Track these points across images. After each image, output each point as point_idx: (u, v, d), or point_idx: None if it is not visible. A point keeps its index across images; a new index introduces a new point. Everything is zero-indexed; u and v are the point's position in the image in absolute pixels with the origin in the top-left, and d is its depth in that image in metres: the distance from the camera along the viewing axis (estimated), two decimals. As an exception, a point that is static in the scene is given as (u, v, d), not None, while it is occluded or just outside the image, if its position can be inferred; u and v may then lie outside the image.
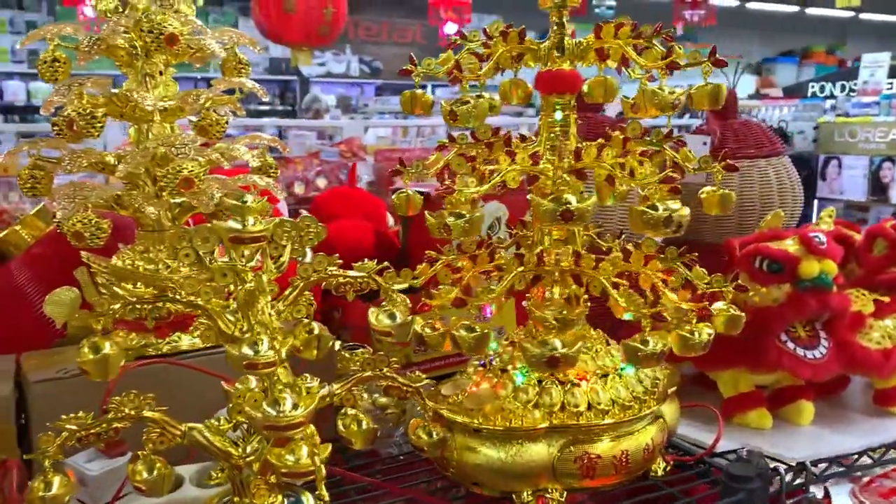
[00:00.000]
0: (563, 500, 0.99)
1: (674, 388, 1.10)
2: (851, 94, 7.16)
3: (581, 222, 0.95)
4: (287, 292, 0.83)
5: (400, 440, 1.22)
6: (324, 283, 0.85)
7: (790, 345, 1.18)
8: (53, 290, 1.09)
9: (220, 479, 0.86)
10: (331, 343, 0.85)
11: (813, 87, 8.03)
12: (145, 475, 0.79)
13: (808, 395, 1.26)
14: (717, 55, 0.98)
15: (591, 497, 1.06)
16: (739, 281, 1.15)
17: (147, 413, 0.79)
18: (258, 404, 0.72)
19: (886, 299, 1.32)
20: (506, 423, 0.99)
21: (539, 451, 0.98)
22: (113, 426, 0.79)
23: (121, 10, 1.05)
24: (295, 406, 0.72)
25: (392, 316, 0.89)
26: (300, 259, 0.83)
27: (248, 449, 0.82)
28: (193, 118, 1.11)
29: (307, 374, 0.90)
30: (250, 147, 1.18)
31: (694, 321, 0.97)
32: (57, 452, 0.76)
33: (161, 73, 1.07)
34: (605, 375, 1.03)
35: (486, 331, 0.95)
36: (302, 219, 0.81)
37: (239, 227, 0.78)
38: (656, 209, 0.99)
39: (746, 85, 9.00)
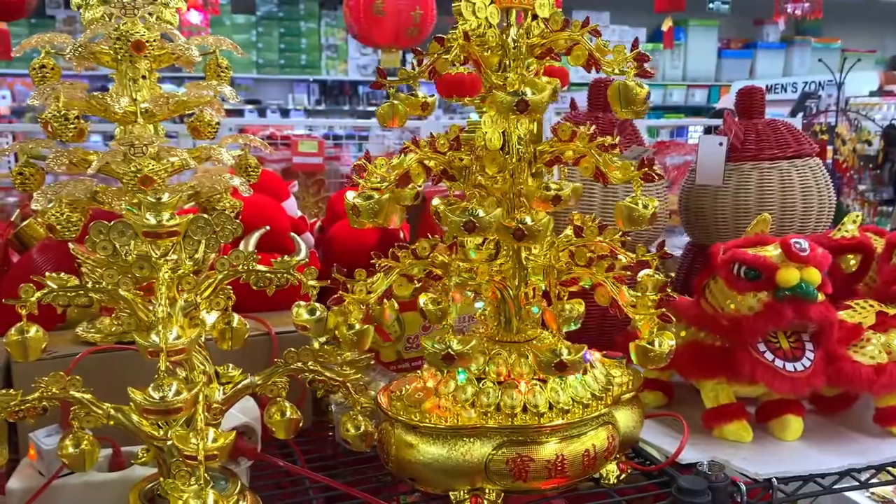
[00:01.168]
0: (498, 500, 0.99)
1: (631, 395, 1.08)
2: None
3: (484, 233, 0.95)
4: (204, 286, 0.87)
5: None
6: (241, 277, 0.89)
7: (768, 356, 1.12)
8: (56, 278, 1.18)
9: (146, 458, 0.91)
10: (246, 335, 0.89)
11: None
12: (70, 450, 0.86)
13: (797, 411, 1.19)
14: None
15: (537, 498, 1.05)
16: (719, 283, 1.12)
17: (73, 393, 0.86)
18: (146, 393, 0.76)
19: (892, 311, 1.23)
20: (442, 421, 1.00)
21: (473, 450, 0.98)
22: (42, 403, 0.85)
23: (107, 18, 1.13)
24: (177, 393, 0.76)
25: (312, 311, 0.92)
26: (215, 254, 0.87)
27: (171, 433, 0.87)
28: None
29: (230, 364, 0.95)
30: (241, 146, 1.24)
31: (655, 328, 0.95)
32: (-10, 422, 0.84)
33: (144, 77, 1.15)
34: (546, 379, 1.02)
35: (366, 328, 0.97)
36: (216, 215, 0.86)
37: (154, 222, 0.83)
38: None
39: (869, 81, 8.40)
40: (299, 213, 1.69)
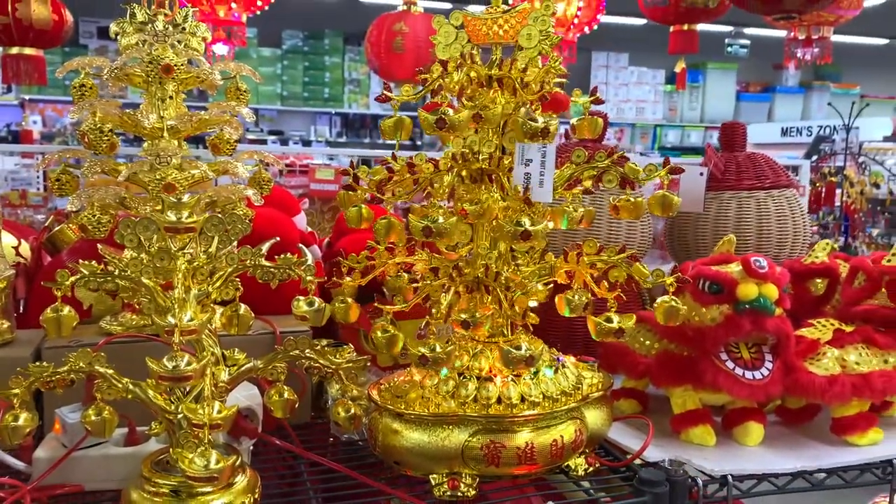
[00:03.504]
0: (473, 484, 1.09)
1: (600, 394, 1.18)
2: None
3: (440, 238, 1.08)
4: (216, 277, 0.99)
5: (364, 430, 1.35)
6: (248, 271, 1.01)
7: (729, 364, 1.22)
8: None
9: (158, 430, 1.03)
10: (251, 322, 1.01)
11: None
12: (93, 418, 0.97)
13: (758, 418, 1.29)
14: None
15: (510, 485, 1.14)
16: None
17: (97, 367, 0.98)
18: (161, 363, 0.88)
19: (848, 329, 1.32)
20: (425, 410, 1.11)
21: (451, 437, 1.08)
22: (70, 376, 0.97)
23: (141, 44, 1.28)
24: (188, 364, 0.88)
25: (311, 303, 1.03)
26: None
27: (181, 408, 0.98)
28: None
29: (236, 348, 1.06)
30: (256, 162, 1.37)
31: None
32: (24, 393, 0.96)
33: (171, 98, 1.29)
34: (520, 374, 1.12)
35: (396, 333, 1.09)
36: (228, 215, 0.98)
37: (174, 218, 0.95)
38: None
39: (883, 126, 8.49)
40: (309, 229, 1.82)
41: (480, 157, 1.17)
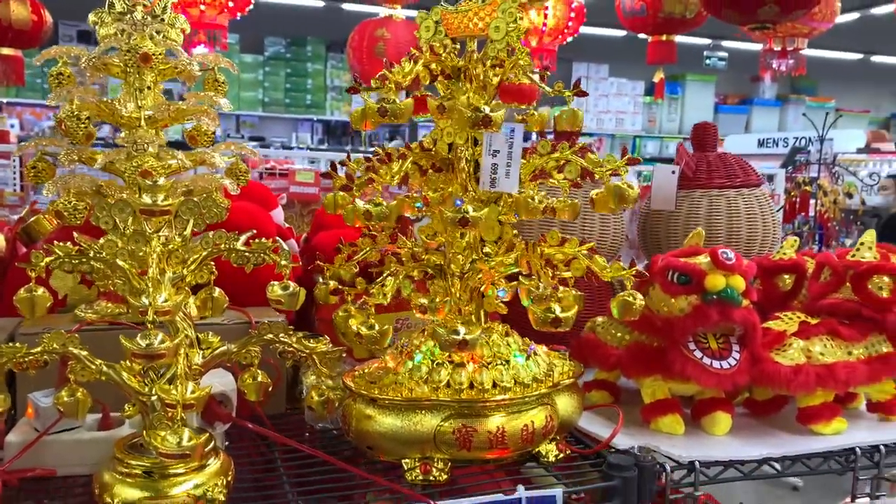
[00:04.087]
0: (445, 469, 1.11)
1: (570, 381, 1.20)
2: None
3: (378, 221, 1.13)
4: (190, 261, 1.00)
5: (339, 419, 1.36)
6: (224, 255, 1.02)
7: (697, 353, 1.25)
8: (59, 267, 1.32)
9: (132, 412, 1.03)
10: (225, 305, 1.02)
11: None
12: (66, 399, 0.98)
13: (726, 408, 1.31)
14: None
15: (481, 470, 1.16)
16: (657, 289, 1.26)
17: (71, 349, 0.98)
18: (135, 341, 0.89)
19: (814, 321, 1.35)
20: (398, 395, 1.12)
21: (424, 421, 1.10)
22: (44, 357, 0.98)
23: (119, 34, 1.28)
24: (161, 342, 0.89)
25: (285, 287, 1.05)
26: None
27: (154, 390, 0.99)
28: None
29: (210, 332, 1.07)
30: (233, 153, 1.39)
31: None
32: (-6, 373, 0.96)
33: (149, 88, 1.30)
34: (493, 361, 1.14)
35: (387, 327, 1.11)
36: (204, 198, 0.99)
37: (149, 201, 0.96)
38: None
39: (856, 138, 8.65)
40: (286, 225, 1.83)
41: (452, 148, 1.19)
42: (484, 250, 1.21)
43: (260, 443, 1.27)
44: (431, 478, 1.10)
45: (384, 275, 1.23)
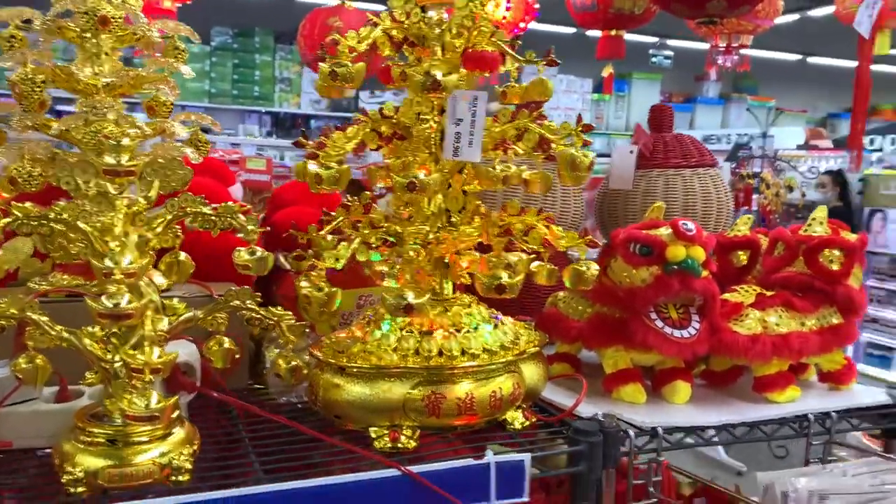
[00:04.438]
0: (413, 436, 1.11)
1: (536, 350, 1.21)
2: (901, 147, 7.04)
3: (329, 185, 1.14)
4: (155, 224, 0.98)
5: (302, 393, 1.35)
6: (190, 218, 1.00)
7: (658, 323, 1.27)
8: (11, 240, 1.27)
9: (94, 380, 1.00)
10: (191, 270, 1.00)
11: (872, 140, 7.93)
12: (24, 365, 0.95)
13: (685, 377, 1.34)
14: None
15: (449, 437, 1.16)
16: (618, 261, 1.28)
17: (30, 314, 0.95)
18: (98, 301, 0.86)
19: (769, 294, 1.39)
20: (367, 363, 1.11)
21: (393, 389, 1.10)
22: (0, 322, 0.94)
23: (76, -3, 1.25)
24: (129, 302, 0.86)
25: (252, 252, 1.03)
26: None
27: (117, 357, 0.96)
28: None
29: (175, 297, 1.05)
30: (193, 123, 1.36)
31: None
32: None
33: (107, 54, 1.26)
34: (461, 329, 1.15)
35: (334, 290, 1.09)
36: (169, 160, 0.97)
37: (113, 161, 0.94)
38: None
39: (796, 136, 8.94)
40: (246, 206, 1.80)
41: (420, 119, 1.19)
42: (451, 220, 1.22)
43: (222, 417, 1.25)
44: (400, 445, 1.09)
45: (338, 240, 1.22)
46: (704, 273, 1.28)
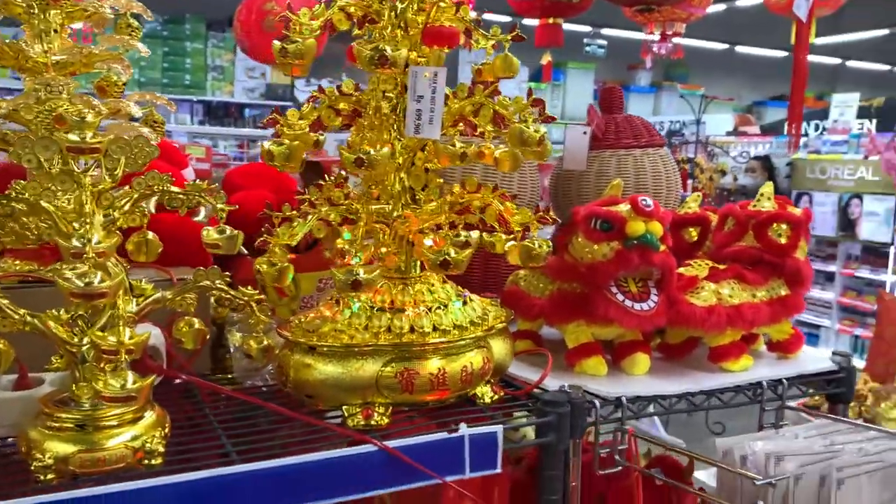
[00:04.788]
0: (386, 413, 1.11)
1: (503, 325, 1.23)
2: (823, 132, 7.34)
3: (281, 161, 1.13)
4: (122, 202, 0.96)
5: (267, 376, 1.34)
6: (156, 197, 0.98)
7: (619, 297, 1.30)
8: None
9: (59, 364, 0.98)
10: (159, 249, 0.98)
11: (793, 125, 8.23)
12: (-15, 351, 0.91)
13: (644, 349, 1.38)
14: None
15: (420, 413, 1.17)
16: (579, 238, 1.30)
17: (-10, 297, 0.92)
18: (70, 279, 0.84)
19: (722, 267, 1.45)
20: (338, 342, 1.11)
21: (366, 367, 1.10)
22: (-42, 307, 0.91)
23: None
24: (102, 281, 0.84)
25: (222, 230, 1.01)
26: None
27: (85, 339, 0.94)
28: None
29: (143, 278, 1.03)
30: (148, 103, 1.33)
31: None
32: None
33: (56, 31, 1.22)
34: (431, 307, 1.15)
35: (286, 265, 1.08)
36: (135, 138, 0.95)
37: (77, 138, 0.91)
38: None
39: (726, 123, 9.23)
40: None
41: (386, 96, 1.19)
42: (415, 198, 1.22)
43: (186, 402, 1.23)
44: (373, 422, 1.10)
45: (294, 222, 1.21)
46: (662, 247, 1.32)
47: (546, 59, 6.60)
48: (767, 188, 1.52)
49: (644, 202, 1.30)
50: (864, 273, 6.78)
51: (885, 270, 6.47)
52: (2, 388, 1.06)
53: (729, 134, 8.62)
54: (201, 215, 1.53)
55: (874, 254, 6.72)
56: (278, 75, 4.84)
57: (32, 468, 0.90)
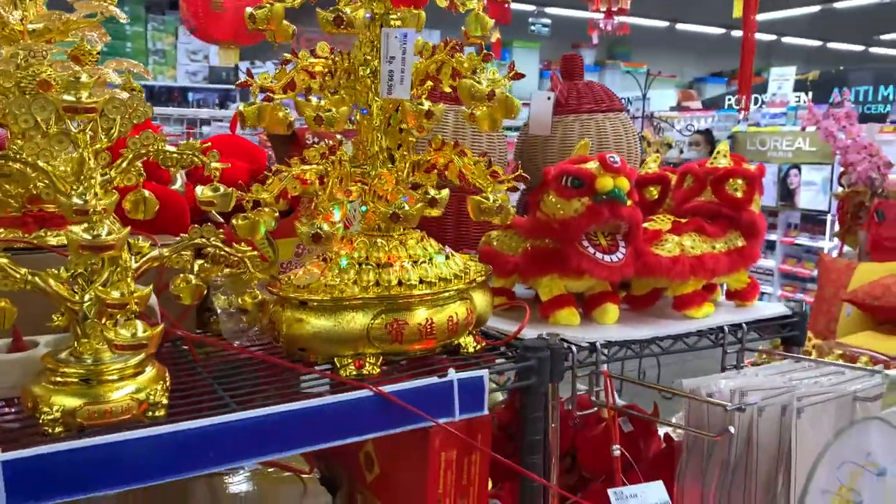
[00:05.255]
0: (376, 363, 1.16)
1: (483, 279, 1.29)
2: (762, 105, 7.58)
3: (251, 122, 1.18)
4: (118, 162, 0.98)
5: (254, 337, 1.37)
6: (151, 156, 1.00)
7: (590, 250, 1.37)
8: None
9: (61, 322, 1.00)
10: (156, 207, 1.01)
11: (729, 99, 8.50)
12: (-12, 309, 0.93)
13: (613, 300, 1.46)
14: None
15: (410, 362, 1.22)
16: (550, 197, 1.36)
17: (-9, 257, 0.93)
18: (78, 233, 0.86)
19: (684, 220, 1.53)
20: (328, 297, 1.15)
21: (356, 320, 1.14)
22: (-40, 266, 0.92)
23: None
24: (109, 233, 0.87)
25: (216, 189, 1.05)
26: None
27: (87, 297, 0.96)
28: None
29: (140, 236, 1.06)
30: (125, 70, 1.34)
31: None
32: None
33: (31, -1, 1.22)
34: (417, 261, 1.20)
35: (258, 219, 1.12)
36: (130, 98, 0.97)
37: (73, 98, 0.93)
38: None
39: (669, 98, 9.46)
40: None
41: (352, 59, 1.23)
42: (392, 158, 1.26)
43: (179, 363, 1.25)
44: (365, 371, 1.14)
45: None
46: (629, 202, 1.39)
47: (496, 36, 6.65)
48: (724, 146, 1.60)
49: (612, 159, 1.36)
50: (804, 240, 7.06)
51: (822, 237, 6.75)
52: (-2, 351, 1.08)
53: (673, 109, 8.84)
54: (178, 184, 1.55)
55: (812, 221, 7.00)
56: (225, 55, 4.76)
57: (41, 422, 0.92)
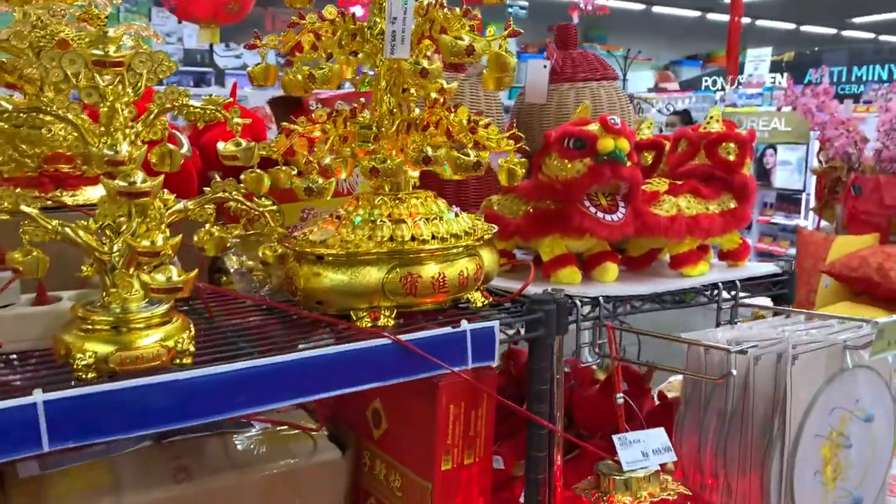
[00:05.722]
0: (391, 315, 1.20)
1: (489, 237, 1.33)
2: (739, 86, 7.68)
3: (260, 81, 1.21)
4: (144, 116, 1.00)
5: (265, 296, 1.40)
6: (175, 111, 1.03)
7: (592, 209, 1.42)
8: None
9: (89, 272, 1.02)
10: (181, 160, 1.04)
11: (706, 80, 8.61)
12: (22, 258, 0.95)
13: (613, 259, 1.51)
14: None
15: (422, 315, 1.26)
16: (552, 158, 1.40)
17: (23, 208, 0.96)
18: (115, 182, 0.89)
19: (680, 182, 1.58)
20: (344, 251, 1.19)
21: (372, 273, 1.18)
22: (-7, 217, 0.95)
23: None
24: (144, 180, 0.90)
25: (237, 143, 1.07)
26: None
27: (115, 247, 0.99)
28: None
29: (165, 189, 1.08)
30: (134, 33, 1.36)
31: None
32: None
33: (43, -35, 1.23)
34: (429, 218, 1.24)
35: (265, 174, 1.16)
36: (155, 52, 0.99)
37: (101, 53, 0.95)
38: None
39: (647, 79, 9.55)
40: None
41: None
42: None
43: (196, 318, 1.28)
44: (381, 323, 1.18)
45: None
46: (629, 162, 1.44)
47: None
48: (716, 111, 1.66)
49: (612, 120, 1.41)
50: (780, 219, 7.20)
51: (797, 216, 6.89)
52: (23, 306, 1.10)
53: (650, 90, 8.93)
54: (185, 148, 1.57)
55: (787, 200, 7.14)
56: (205, 35, 4.72)
57: (74, 367, 0.95)
